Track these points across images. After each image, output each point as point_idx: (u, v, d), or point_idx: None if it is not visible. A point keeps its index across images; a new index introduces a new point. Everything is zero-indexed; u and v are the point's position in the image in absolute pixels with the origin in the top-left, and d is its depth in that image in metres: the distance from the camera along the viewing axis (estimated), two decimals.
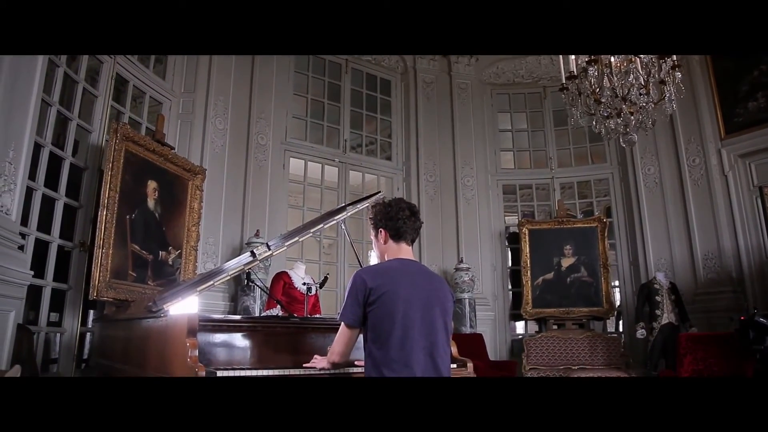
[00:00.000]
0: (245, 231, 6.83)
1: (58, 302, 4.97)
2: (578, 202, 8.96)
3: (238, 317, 4.79)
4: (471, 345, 6.79)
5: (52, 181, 4.80)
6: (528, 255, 7.94)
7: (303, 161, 7.98)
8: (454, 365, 3.20)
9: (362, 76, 8.84)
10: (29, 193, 4.30)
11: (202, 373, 2.54)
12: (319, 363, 2.75)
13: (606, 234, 7.82)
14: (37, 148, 4.42)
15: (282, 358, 3.20)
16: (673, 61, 4.64)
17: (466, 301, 7.57)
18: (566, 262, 7.84)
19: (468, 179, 8.58)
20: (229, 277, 3.69)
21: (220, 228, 6.62)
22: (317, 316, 5.67)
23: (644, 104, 4.68)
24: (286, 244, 3.75)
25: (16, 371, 2.67)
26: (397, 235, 2.57)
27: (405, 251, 2.58)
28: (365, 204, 4.30)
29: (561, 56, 5.17)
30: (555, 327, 7.70)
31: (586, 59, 4.65)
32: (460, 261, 7.90)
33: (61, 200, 4.90)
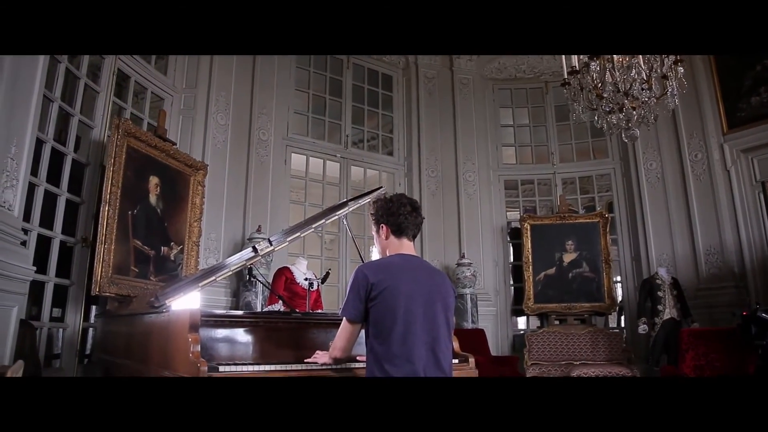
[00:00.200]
0: (247, 226, 6.84)
1: (60, 298, 4.99)
2: (580, 198, 8.95)
3: (240, 312, 4.80)
4: (473, 340, 6.80)
5: (54, 177, 4.81)
6: (530, 250, 7.94)
7: (305, 157, 7.98)
8: (456, 360, 3.21)
9: (364, 72, 8.83)
10: (31, 189, 4.30)
11: (204, 368, 2.55)
12: (320, 358, 2.75)
13: (608, 229, 7.81)
14: (39, 143, 4.42)
15: (284, 354, 3.21)
16: (676, 56, 4.63)
17: (468, 296, 7.57)
18: (568, 258, 7.84)
19: (470, 174, 8.57)
20: (230, 273, 3.70)
21: (221, 223, 6.63)
22: (319, 311, 5.68)
23: (646, 99, 4.67)
24: (288, 239, 3.76)
25: (18, 367, 2.68)
26: (398, 231, 2.57)
27: (406, 247, 2.58)
28: (367, 199, 4.29)
29: None
30: (557, 322, 7.70)
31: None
32: (462, 256, 7.90)
33: (63, 196, 4.91)
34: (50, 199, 4.79)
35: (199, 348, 2.64)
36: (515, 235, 8.63)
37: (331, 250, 8.50)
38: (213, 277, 3.36)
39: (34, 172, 4.37)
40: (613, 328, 8.19)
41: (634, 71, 4.57)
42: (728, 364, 5.51)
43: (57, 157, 4.87)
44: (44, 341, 4.73)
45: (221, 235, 6.62)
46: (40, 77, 4.02)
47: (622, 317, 8.40)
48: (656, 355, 6.75)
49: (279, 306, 5.18)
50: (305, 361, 2.86)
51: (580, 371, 6.56)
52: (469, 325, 7.45)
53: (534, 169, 9.06)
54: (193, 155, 6.11)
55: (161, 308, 3.06)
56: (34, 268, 4.01)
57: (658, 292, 6.86)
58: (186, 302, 3.17)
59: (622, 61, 4.66)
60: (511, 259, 8.80)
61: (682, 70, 4.67)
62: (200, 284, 3.28)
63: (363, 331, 2.46)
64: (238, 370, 2.73)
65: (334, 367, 2.80)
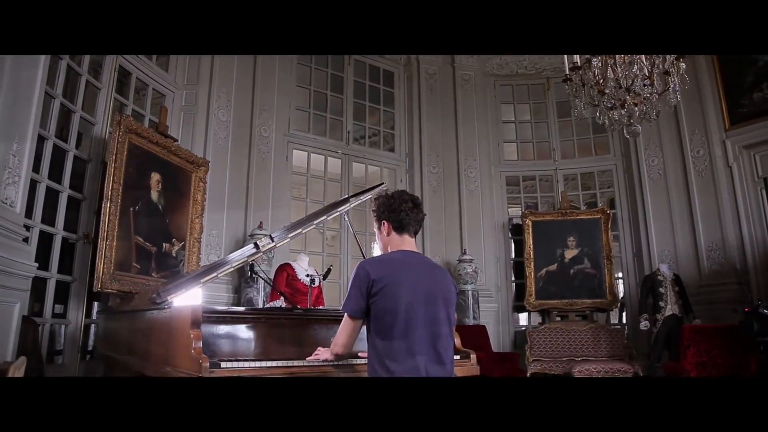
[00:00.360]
0: (248, 223, 6.84)
1: (62, 294, 5.00)
2: (582, 194, 8.93)
3: (241, 309, 4.80)
4: (474, 336, 6.80)
5: (55, 174, 4.81)
6: (531, 247, 7.94)
7: (306, 153, 7.98)
8: (458, 356, 3.21)
9: (365, 68, 8.82)
10: (33, 185, 4.31)
11: (206, 365, 2.55)
12: (322, 354, 2.75)
13: (609, 225, 7.81)
14: (41, 140, 4.43)
15: (285, 350, 3.21)
16: None
17: (470, 292, 7.58)
18: (569, 254, 7.84)
19: (471, 171, 8.56)
20: (232, 269, 3.70)
21: (223, 220, 6.64)
22: (320, 307, 5.69)
23: (648, 95, 4.65)
24: (290, 235, 3.76)
25: (21, 363, 2.69)
26: (400, 227, 2.57)
27: (408, 243, 2.58)
28: (368, 195, 4.29)
29: None
30: (558, 319, 7.71)
31: None
32: (464, 253, 7.89)
33: (65, 192, 4.92)
34: (52, 196, 4.79)
35: (200, 344, 2.65)
36: (517, 231, 8.63)
37: (333, 246, 8.51)
38: (215, 274, 3.36)
39: (36, 168, 4.38)
40: (615, 325, 8.19)
41: (635, 67, 4.56)
42: (730, 361, 5.51)
43: (59, 154, 4.87)
44: (46, 337, 4.74)
45: (223, 231, 6.63)
46: (42, 74, 4.03)
47: (624, 313, 8.39)
48: (658, 351, 6.75)
49: (280, 302, 5.19)
50: (307, 359, 2.87)
51: (582, 367, 6.56)
52: (470, 321, 7.46)
53: (535, 166, 9.05)
54: (195, 152, 6.11)
55: (163, 304, 3.06)
56: (36, 265, 4.02)
57: (660, 289, 6.86)
58: (188, 298, 3.18)
59: (623, 57, 4.65)
60: (513, 256, 8.80)
61: (684, 66, 4.66)
62: (202, 280, 3.28)
63: (364, 327, 2.46)
64: (239, 366, 2.74)
65: (335, 363, 2.80)
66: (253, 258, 3.67)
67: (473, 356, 3.48)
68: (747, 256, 7.02)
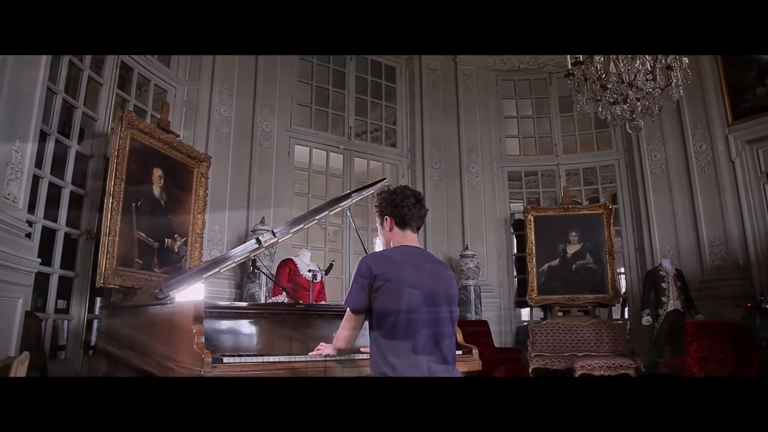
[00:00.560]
0: (250, 218, 6.85)
1: (65, 290, 5.01)
2: (584, 189, 8.92)
3: (243, 304, 4.81)
4: (476, 332, 6.80)
5: (58, 170, 4.82)
6: (533, 242, 7.93)
7: (308, 148, 7.98)
8: (460, 352, 3.21)
9: (367, 63, 8.80)
10: (36, 181, 4.31)
11: (209, 360, 2.56)
12: (324, 350, 2.76)
13: (612, 221, 7.80)
14: (43, 136, 4.43)
15: (287, 345, 3.22)
16: None
17: (472, 288, 7.57)
18: (572, 249, 7.83)
19: (473, 166, 8.55)
20: (234, 264, 3.71)
21: (225, 215, 6.64)
22: (322, 302, 5.70)
23: (651, 90, 4.64)
24: (292, 231, 3.76)
25: (24, 358, 2.69)
26: (402, 223, 2.57)
27: (410, 238, 2.58)
28: (370, 191, 4.30)
29: None
30: (560, 314, 7.71)
31: None
32: (466, 248, 7.89)
33: (67, 188, 4.92)
34: (54, 192, 4.80)
35: (203, 339, 2.65)
36: (519, 226, 8.63)
37: (335, 241, 8.51)
38: (217, 269, 3.37)
39: (38, 164, 4.38)
40: (617, 320, 8.19)
41: (638, 62, 4.55)
42: (732, 356, 5.50)
43: (61, 150, 4.88)
44: (49, 333, 4.76)
45: (225, 226, 6.63)
46: (44, 69, 4.03)
47: (626, 309, 8.39)
48: (660, 346, 6.75)
49: (283, 297, 5.20)
50: (309, 354, 2.87)
51: (584, 363, 6.57)
52: (472, 316, 7.46)
53: (537, 161, 9.03)
54: (197, 147, 6.11)
55: (165, 300, 3.07)
56: (39, 260, 4.03)
57: (662, 284, 6.85)
58: (190, 294, 3.18)
59: None
60: (515, 251, 8.80)
61: (686, 61, 4.64)
62: (204, 276, 3.28)
63: (367, 323, 2.46)
64: (242, 361, 2.74)
65: (337, 358, 2.81)
66: (256, 253, 3.68)
67: (475, 351, 3.48)
68: (749, 251, 7.02)
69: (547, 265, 7.88)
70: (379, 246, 2.79)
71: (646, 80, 4.59)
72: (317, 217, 3.90)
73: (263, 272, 5.49)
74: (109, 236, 4.58)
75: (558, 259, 7.87)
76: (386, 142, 8.86)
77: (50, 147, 4.65)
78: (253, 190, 7.01)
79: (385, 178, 4.86)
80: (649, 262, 7.70)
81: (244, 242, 4.52)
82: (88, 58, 5.24)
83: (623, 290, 8.26)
